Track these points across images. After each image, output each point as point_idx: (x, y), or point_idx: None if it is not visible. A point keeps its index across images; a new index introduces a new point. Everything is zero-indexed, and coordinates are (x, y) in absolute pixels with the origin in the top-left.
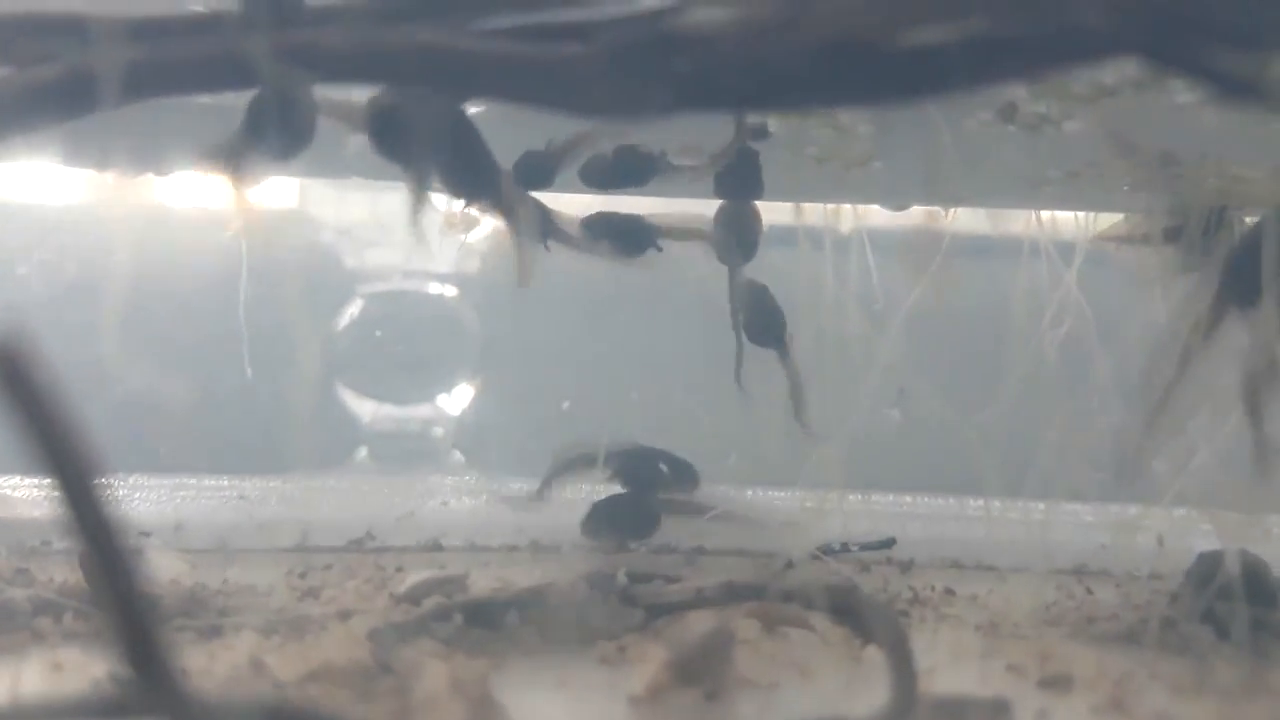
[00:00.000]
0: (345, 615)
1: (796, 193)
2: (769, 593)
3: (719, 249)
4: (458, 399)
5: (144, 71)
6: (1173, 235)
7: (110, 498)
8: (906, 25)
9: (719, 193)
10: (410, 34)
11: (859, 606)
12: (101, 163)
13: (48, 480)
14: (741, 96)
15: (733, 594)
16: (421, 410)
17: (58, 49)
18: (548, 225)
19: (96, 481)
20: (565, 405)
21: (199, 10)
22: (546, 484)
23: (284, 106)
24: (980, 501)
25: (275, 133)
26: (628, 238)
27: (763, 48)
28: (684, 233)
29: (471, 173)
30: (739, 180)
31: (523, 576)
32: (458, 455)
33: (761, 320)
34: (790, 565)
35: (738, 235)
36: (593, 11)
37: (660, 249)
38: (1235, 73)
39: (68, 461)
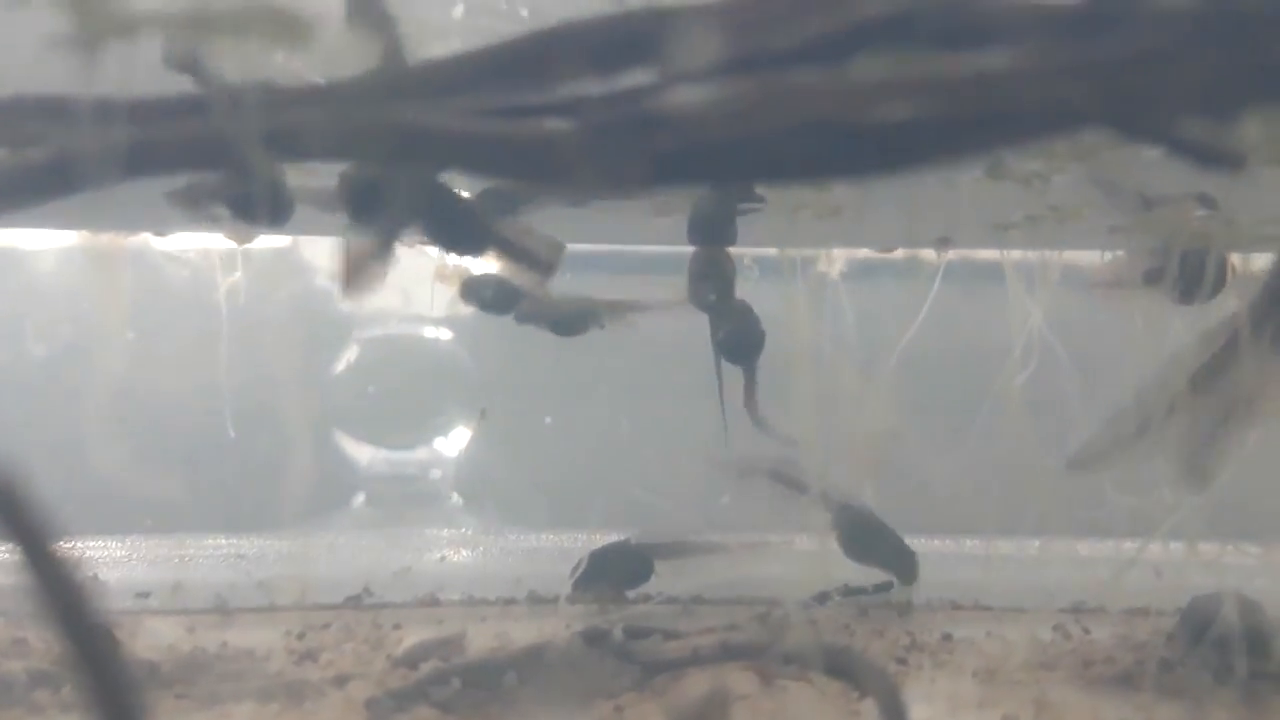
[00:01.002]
0: (343, 680)
1: (769, 239)
2: (764, 653)
3: (693, 295)
4: (455, 442)
5: (127, 153)
6: (1154, 276)
7: (77, 566)
8: (882, 104)
9: (692, 239)
10: (393, 113)
11: (853, 666)
12: (97, 224)
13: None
14: (722, 173)
15: (728, 652)
16: (419, 454)
17: (43, 131)
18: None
19: (60, 550)
20: (547, 420)
21: (182, 93)
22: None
23: (263, 188)
24: (977, 540)
25: (255, 210)
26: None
27: (742, 126)
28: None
29: (455, 230)
30: (712, 227)
31: (521, 631)
32: (456, 498)
33: (740, 339)
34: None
35: (712, 281)
36: (575, 90)
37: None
38: (1202, 141)
39: (29, 529)
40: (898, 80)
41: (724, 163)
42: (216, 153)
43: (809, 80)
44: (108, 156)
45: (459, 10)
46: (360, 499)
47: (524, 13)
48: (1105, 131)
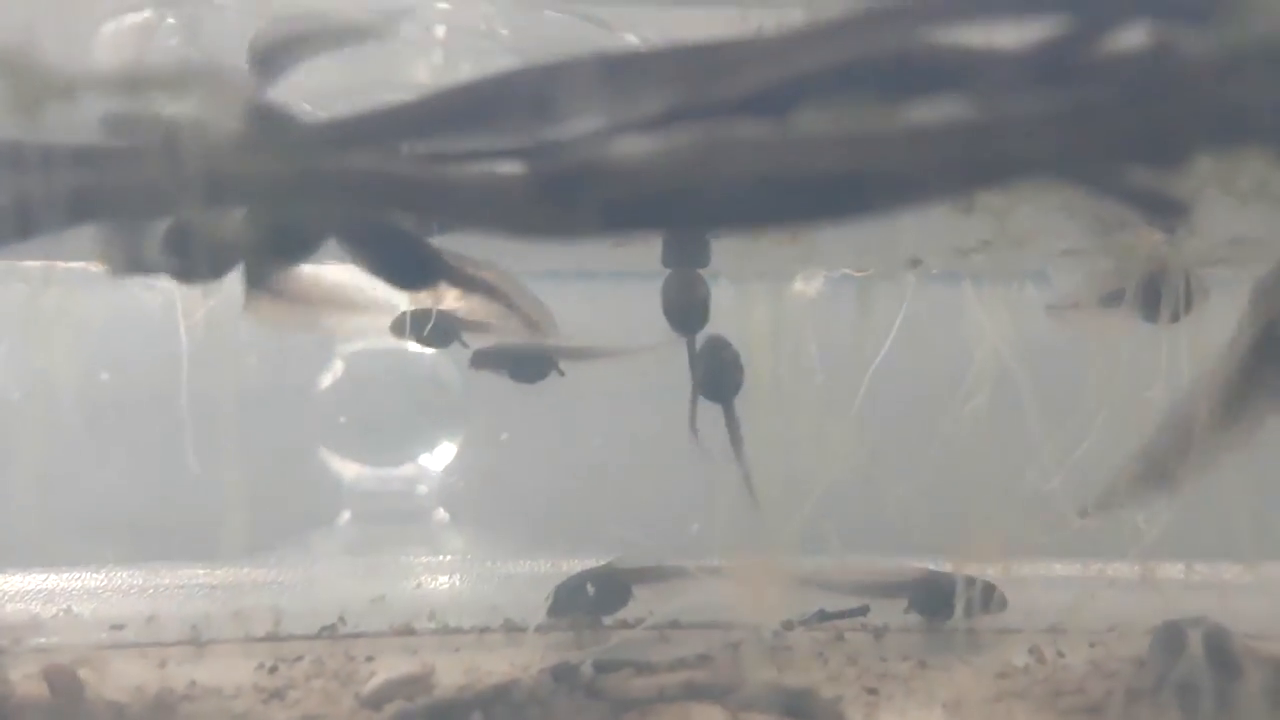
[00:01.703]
0: None
1: (732, 263)
2: (729, 692)
3: (669, 318)
4: (440, 457)
5: (74, 198)
6: (1115, 299)
7: None
8: (827, 155)
9: (665, 262)
10: (345, 160)
11: (812, 710)
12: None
13: None
14: (669, 221)
15: (693, 692)
16: (405, 470)
17: None
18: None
19: None
20: (504, 437)
21: (136, 139)
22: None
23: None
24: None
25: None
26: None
27: (687, 176)
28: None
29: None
30: (685, 250)
31: (493, 662)
32: (442, 513)
33: (716, 376)
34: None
35: (686, 304)
36: (524, 138)
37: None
38: (1148, 190)
39: None
40: (842, 131)
41: (671, 211)
42: (158, 200)
43: (755, 131)
44: (52, 203)
45: (440, 31)
46: (346, 516)
47: (504, 32)
48: (1052, 180)
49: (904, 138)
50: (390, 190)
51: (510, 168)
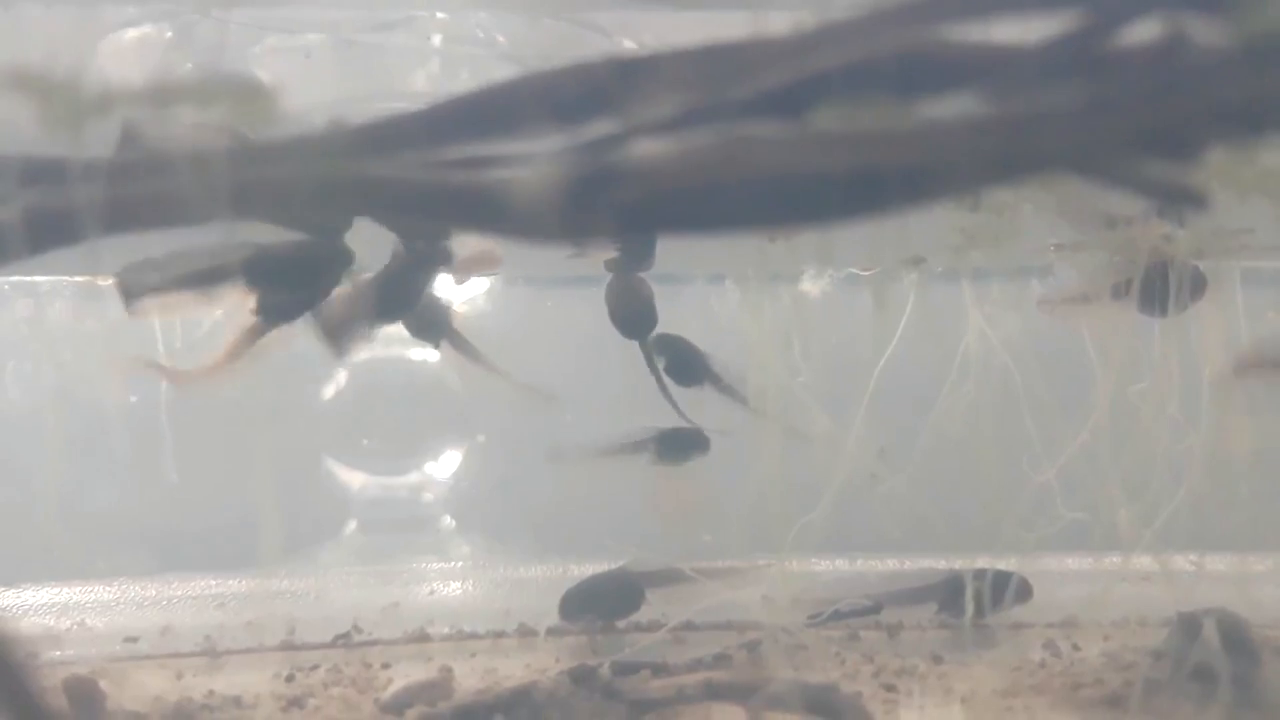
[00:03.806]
0: None
1: (723, 264)
2: (749, 691)
3: (615, 324)
4: (446, 464)
5: (108, 209)
6: (1122, 291)
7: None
8: (842, 154)
9: (608, 265)
10: (363, 168)
11: (836, 706)
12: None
13: None
14: (683, 224)
15: (712, 692)
16: (411, 478)
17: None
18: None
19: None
20: (480, 439)
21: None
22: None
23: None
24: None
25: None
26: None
27: (702, 179)
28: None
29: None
30: (629, 253)
31: (510, 666)
32: (448, 520)
33: (683, 362)
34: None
35: (632, 307)
36: (539, 143)
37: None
38: (1165, 182)
39: None
40: (858, 130)
41: (686, 214)
42: (187, 210)
43: (770, 132)
44: (84, 214)
45: (437, 39)
46: (352, 526)
47: (501, 40)
48: (1067, 175)
49: (921, 134)
50: (403, 197)
51: (525, 172)
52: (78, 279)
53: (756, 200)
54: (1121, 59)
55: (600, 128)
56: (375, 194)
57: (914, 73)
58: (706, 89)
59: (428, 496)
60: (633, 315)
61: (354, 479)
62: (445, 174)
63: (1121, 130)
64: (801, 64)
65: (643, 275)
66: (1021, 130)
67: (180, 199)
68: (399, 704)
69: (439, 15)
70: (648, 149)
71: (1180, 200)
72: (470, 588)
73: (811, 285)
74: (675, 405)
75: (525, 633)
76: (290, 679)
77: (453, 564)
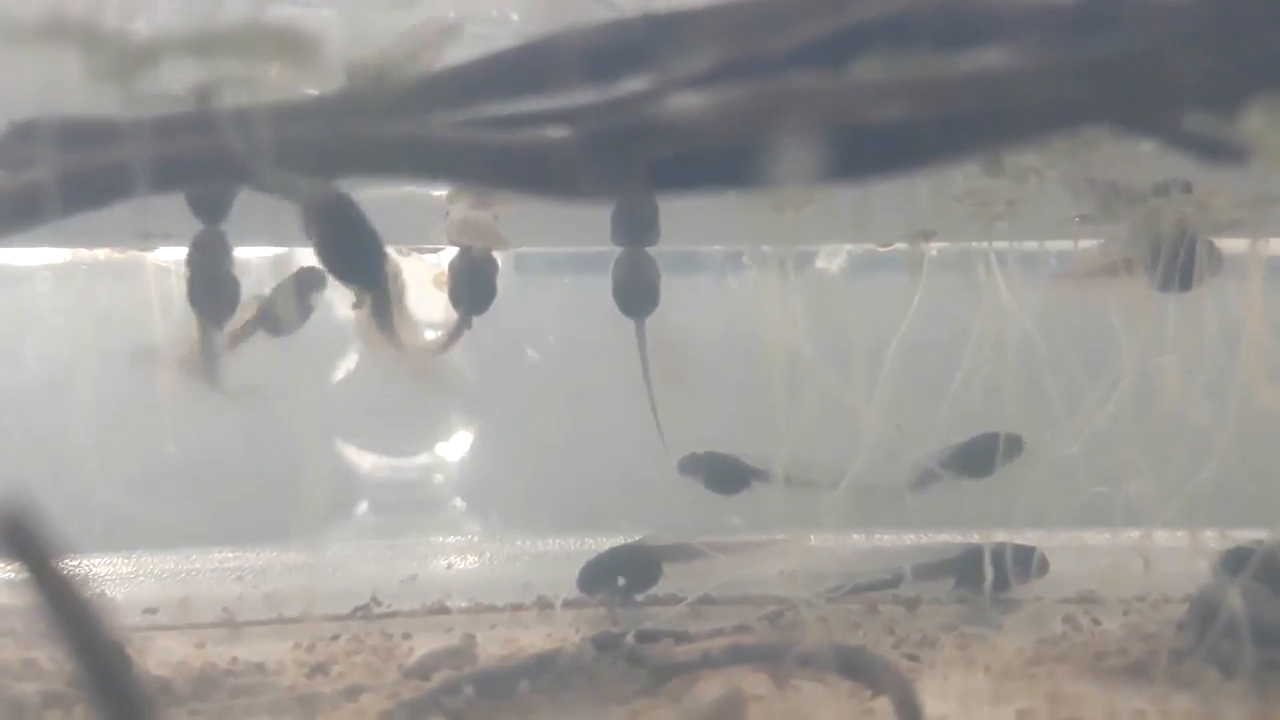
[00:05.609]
0: (355, 692)
1: (738, 237)
2: (776, 655)
3: (617, 300)
4: (456, 447)
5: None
6: (1152, 261)
7: (87, 584)
8: (881, 106)
9: (615, 240)
10: (392, 127)
11: (866, 665)
12: (86, 240)
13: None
14: (719, 180)
15: (740, 655)
16: (421, 460)
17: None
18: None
19: (69, 568)
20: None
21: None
22: None
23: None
24: (981, 534)
25: None
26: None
27: (738, 133)
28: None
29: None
30: (636, 226)
31: (530, 638)
32: (459, 502)
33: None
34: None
35: (636, 284)
36: (572, 99)
37: None
38: (1205, 135)
39: (37, 548)
40: (896, 82)
41: (722, 169)
42: (223, 168)
43: (807, 84)
44: (127, 173)
45: (451, 16)
46: (364, 507)
47: (514, 17)
48: (1106, 128)
49: (959, 85)
50: (439, 156)
51: (558, 131)
52: (98, 254)
53: (793, 155)
54: (1162, 7)
55: (635, 83)
56: (409, 152)
57: (953, 22)
58: (743, 42)
59: (438, 478)
60: (635, 292)
61: (364, 460)
62: (481, 132)
63: (1162, 81)
64: (839, 15)
65: (651, 255)
66: (1062, 80)
67: (222, 156)
68: (424, 669)
69: None
70: (683, 103)
71: (1219, 155)
72: (488, 561)
73: (827, 261)
74: (653, 400)
75: (544, 605)
76: (311, 648)
77: (470, 538)
